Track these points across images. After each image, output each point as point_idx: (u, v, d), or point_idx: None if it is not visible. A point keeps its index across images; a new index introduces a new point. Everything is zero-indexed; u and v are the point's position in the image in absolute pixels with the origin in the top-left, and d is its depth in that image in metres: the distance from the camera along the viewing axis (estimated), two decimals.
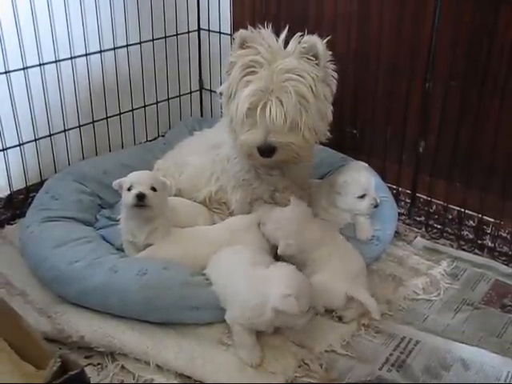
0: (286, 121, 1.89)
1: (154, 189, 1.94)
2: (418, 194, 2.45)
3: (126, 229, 2.01)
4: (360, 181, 2.13)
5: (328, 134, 2.06)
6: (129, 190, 1.94)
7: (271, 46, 1.94)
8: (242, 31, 1.98)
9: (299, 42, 1.95)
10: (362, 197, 2.12)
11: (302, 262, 1.96)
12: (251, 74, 1.93)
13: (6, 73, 2.26)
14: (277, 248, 1.96)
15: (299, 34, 1.96)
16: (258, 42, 1.95)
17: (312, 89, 1.91)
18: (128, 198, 1.93)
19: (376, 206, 2.14)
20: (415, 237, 2.37)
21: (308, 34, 1.97)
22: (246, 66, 1.94)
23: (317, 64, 1.94)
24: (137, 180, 1.95)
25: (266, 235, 2.02)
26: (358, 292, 1.85)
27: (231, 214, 2.22)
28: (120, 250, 2.07)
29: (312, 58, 1.93)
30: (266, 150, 1.93)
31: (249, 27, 1.99)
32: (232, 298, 1.77)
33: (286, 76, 1.89)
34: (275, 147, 1.92)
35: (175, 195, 2.24)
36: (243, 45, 1.96)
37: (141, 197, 1.90)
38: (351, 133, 2.56)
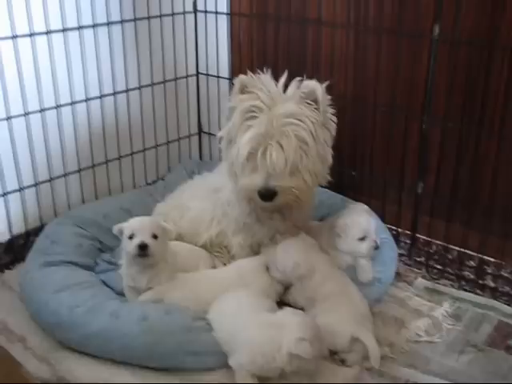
0: (287, 165, 1.90)
1: (155, 236, 1.94)
2: (417, 235, 2.45)
3: (127, 274, 2.00)
4: (360, 223, 2.14)
5: (328, 177, 2.07)
6: (130, 237, 1.93)
7: (271, 91, 1.97)
8: (241, 76, 2.00)
9: (298, 87, 1.98)
10: (363, 239, 2.13)
11: (307, 301, 1.95)
12: (251, 118, 1.95)
13: (7, 119, 2.28)
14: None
15: (298, 78, 1.99)
16: (258, 87, 1.97)
17: (312, 133, 1.93)
18: (130, 247, 1.92)
19: (377, 248, 2.14)
20: (416, 278, 2.36)
21: (306, 77, 2.00)
22: (246, 111, 1.96)
23: (316, 109, 1.96)
24: (138, 228, 1.94)
25: (276, 273, 2.02)
26: (364, 335, 1.83)
27: (232, 258, 2.22)
28: (121, 294, 2.06)
29: (312, 102, 1.95)
30: (267, 194, 1.93)
31: (248, 72, 2.02)
32: (241, 343, 1.75)
33: (286, 121, 1.91)
34: (276, 191, 1.93)
35: (176, 239, 2.24)
36: (243, 90, 1.99)
37: (143, 247, 1.90)
38: (350, 174, 2.58)
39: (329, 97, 2.00)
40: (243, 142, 1.92)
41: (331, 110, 2.01)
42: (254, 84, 1.98)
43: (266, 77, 2.01)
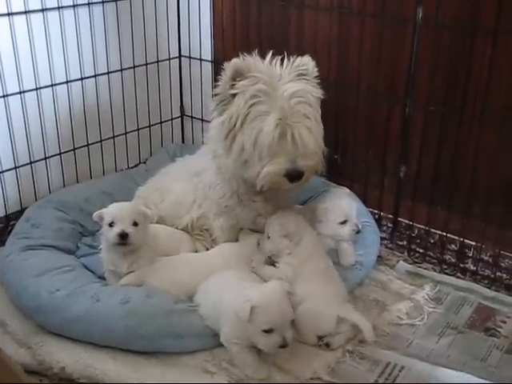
0: (315, 143, 1.93)
1: (135, 224, 1.93)
2: (399, 219, 2.46)
3: (107, 259, 1.99)
4: (341, 207, 2.15)
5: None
6: (110, 225, 1.92)
7: (269, 73, 1.94)
8: (235, 61, 1.93)
9: (290, 66, 1.97)
10: (344, 223, 2.13)
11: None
12: (257, 104, 1.91)
13: None
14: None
15: (281, 56, 1.99)
16: (254, 70, 1.93)
17: (318, 110, 1.98)
18: (110, 235, 1.91)
19: (358, 232, 2.14)
20: (398, 261, 2.37)
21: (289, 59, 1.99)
22: (250, 97, 1.91)
23: (314, 85, 1.99)
24: (118, 215, 1.92)
25: (266, 244, 2.04)
26: (351, 313, 1.85)
27: (213, 241, 2.22)
28: (102, 278, 2.05)
29: (307, 78, 1.97)
30: (297, 175, 1.94)
31: (240, 55, 1.96)
32: (222, 315, 1.76)
33: (295, 100, 1.92)
34: (303, 171, 1.94)
35: (157, 222, 2.23)
36: (238, 74, 1.92)
37: (123, 236, 1.89)
38: (332, 158, 2.57)
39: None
40: (265, 131, 1.87)
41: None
42: (249, 67, 1.93)
43: (257, 59, 1.98)
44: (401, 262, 2.37)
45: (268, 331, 1.65)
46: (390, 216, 2.48)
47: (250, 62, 1.96)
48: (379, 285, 2.20)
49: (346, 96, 2.46)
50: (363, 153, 2.49)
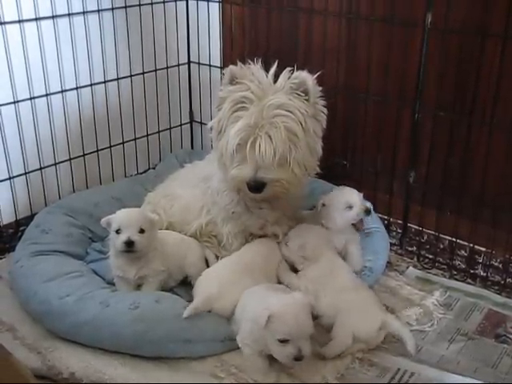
0: (276, 156, 1.88)
1: (142, 230, 1.93)
2: (409, 224, 2.46)
3: (115, 265, 2.00)
4: (343, 193, 2.17)
5: (318, 168, 2.06)
6: (117, 232, 1.93)
7: (261, 82, 1.96)
8: (231, 67, 1.99)
9: (289, 78, 1.96)
10: (351, 208, 2.14)
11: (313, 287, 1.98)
12: (241, 109, 1.94)
13: None
14: None
15: (289, 68, 1.98)
16: (248, 77, 1.96)
17: (302, 124, 1.92)
18: (117, 242, 1.92)
19: (368, 213, 2.14)
20: (407, 267, 2.36)
21: (298, 67, 1.99)
22: (235, 102, 1.95)
23: (307, 100, 1.94)
24: (125, 222, 1.93)
25: (285, 250, 2.09)
26: (394, 322, 1.87)
27: (223, 248, 2.22)
28: (111, 283, 2.05)
29: (302, 93, 1.94)
30: (256, 186, 1.92)
31: (238, 63, 2.01)
32: (244, 317, 1.79)
33: (276, 112, 1.90)
34: (265, 183, 1.92)
35: (166, 228, 2.24)
36: (233, 80, 1.98)
37: (129, 243, 1.90)
38: (341, 164, 2.57)
39: (319, 88, 1.99)
40: (232, 132, 1.91)
41: (322, 102, 2.00)
42: (244, 75, 1.97)
43: (256, 67, 2.00)
44: (410, 267, 2.36)
45: (283, 341, 1.65)
46: (400, 221, 2.47)
47: (247, 69, 1.99)
48: (389, 291, 2.19)
49: (355, 101, 2.46)
50: (372, 158, 2.48)
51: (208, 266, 2.14)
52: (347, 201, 2.14)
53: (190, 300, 1.91)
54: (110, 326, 1.80)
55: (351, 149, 2.56)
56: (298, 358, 1.65)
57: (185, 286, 2.11)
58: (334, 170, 2.56)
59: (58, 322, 1.88)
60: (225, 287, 1.91)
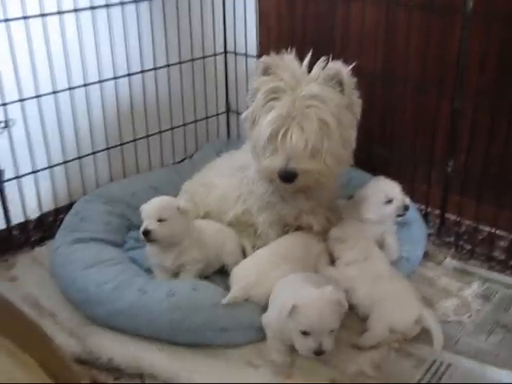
0: (307, 147, 1.89)
1: (161, 220, 1.94)
2: (447, 215, 2.42)
3: (151, 253, 2.03)
4: (382, 187, 2.15)
5: (351, 161, 2.05)
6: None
7: (294, 72, 1.95)
8: (265, 57, 1.99)
9: (323, 68, 1.95)
10: (389, 202, 2.12)
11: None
12: (274, 100, 1.94)
13: (36, 97, 2.30)
14: None
15: (323, 58, 1.96)
16: (282, 68, 1.96)
17: (335, 116, 1.91)
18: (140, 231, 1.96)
19: (406, 209, 2.13)
20: (445, 258, 2.33)
21: (335, 54, 1.98)
22: (269, 93, 1.95)
23: (341, 91, 1.94)
24: (146, 213, 1.96)
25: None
26: (431, 318, 1.86)
27: (259, 238, 2.23)
28: (149, 271, 2.08)
29: (336, 84, 1.93)
30: (287, 176, 1.93)
31: (272, 53, 2.01)
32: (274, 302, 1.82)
33: (309, 102, 1.89)
34: (296, 173, 1.92)
35: (203, 217, 2.26)
36: (266, 71, 1.98)
37: (146, 233, 1.92)
38: (379, 153, 2.55)
39: (354, 79, 1.97)
40: (265, 123, 1.92)
41: (357, 93, 1.99)
42: (278, 65, 1.96)
43: (289, 57, 2.00)
44: (448, 258, 2.33)
45: (305, 333, 1.66)
46: (437, 211, 2.44)
47: (280, 60, 1.98)
48: (426, 281, 2.17)
49: (394, 89, 2.43)
50: (410, 147, 2.45)
51: (245, 256, 2.16)
52: (387, 194, 2.13)
53: (227, 289, 1.93)
54: (147, 314, 1.82)
55: (389, 137, 2.53)
56: (319, 353, 1.65)
57: (221, 274, 2.13)
58: (371, 159, 2.54)
59: (96, 309, 1.91)
60: (262, 275, 1.92)
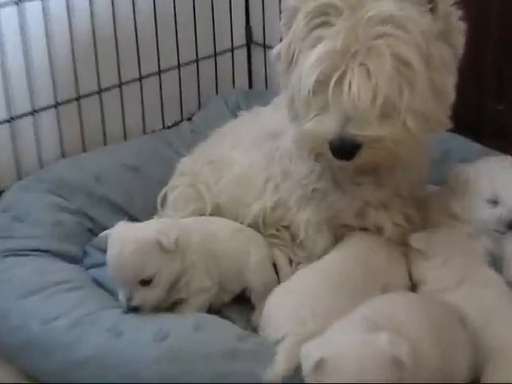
0: (376, 101, 1.86)
1: (146, 282, 1.92)
2: None
3: None
4: (490, 178, 2.13)
5: (448, 121, 2.04)
6: None
7: None
8: None
9: None
10: (495, 203, 2.12)
11: None
12: (323, 26, 1.91)
13: None
14: None
15: None
16: None
17: (421, 51, 1.89)
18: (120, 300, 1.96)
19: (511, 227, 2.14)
20: None
21: None
22: (314, 15, 1.91)
23: (431, 9, 1.94)
24: (117, 275, 1.95)
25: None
26: None
27: (299, 247, 2.25)
28: None
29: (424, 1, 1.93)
30: (344, 148, 1.89)
31: None
32: None
33: (379, 29, 1.86)
34: (358, 143, 1.89)
35: (212, 213, 2.29)
36: None
37: (135, 309, 1.93)
38: (495, 110, 2.56)
39: None
40: (308, 63, 1.89)
41: (457, 13, 1.99)
42: None
43: None
44: None
45: None
46: None
47: None
48: None
49: None
50: None
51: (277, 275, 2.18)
52: (494, 190, 2.13)
53: (248, 327, 1.97)
54: (124, 367, 1.83)
55: (508, 86, 2.55)
56: None
57: (239, 302, 2.16)
58: (482, 121, 2.55)
59: (42, 361, 1.93)
60: (321, 317, 1.87)
